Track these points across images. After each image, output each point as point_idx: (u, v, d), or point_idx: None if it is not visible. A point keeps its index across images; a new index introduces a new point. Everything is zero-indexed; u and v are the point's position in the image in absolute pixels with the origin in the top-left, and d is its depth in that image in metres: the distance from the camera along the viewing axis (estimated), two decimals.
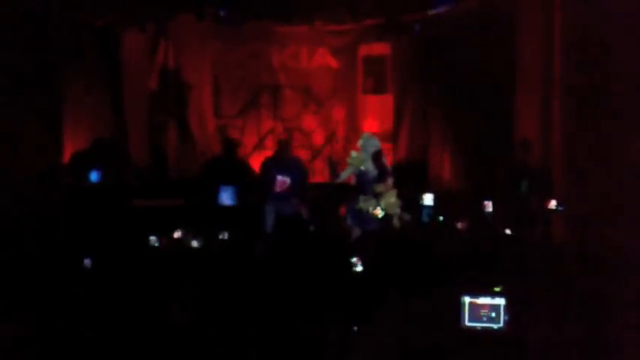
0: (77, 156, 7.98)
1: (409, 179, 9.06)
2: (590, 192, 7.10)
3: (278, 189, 7.59)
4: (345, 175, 7.80)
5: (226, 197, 8.27)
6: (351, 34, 10.90)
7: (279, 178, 7.61)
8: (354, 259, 4.91)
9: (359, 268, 4.89)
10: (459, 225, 6.47)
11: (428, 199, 7.30)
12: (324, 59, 11.04)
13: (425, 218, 7.23)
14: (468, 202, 7.80)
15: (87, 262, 4.72)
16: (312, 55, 11.06)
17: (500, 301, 3.48)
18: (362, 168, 7.73)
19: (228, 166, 9.22)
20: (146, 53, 10.11)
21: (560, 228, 7.09)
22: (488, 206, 6.91)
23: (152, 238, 5.49)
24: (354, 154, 7.77)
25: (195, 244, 5.64)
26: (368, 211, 7.51)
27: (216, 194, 8.35)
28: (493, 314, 3.45)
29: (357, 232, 7.42)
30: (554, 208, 6.85)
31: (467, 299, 3.46)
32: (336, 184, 7.93)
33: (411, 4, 10.04)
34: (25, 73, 7.67)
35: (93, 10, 8.92)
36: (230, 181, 8.54)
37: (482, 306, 3.46)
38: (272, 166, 7.84)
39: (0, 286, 4.24)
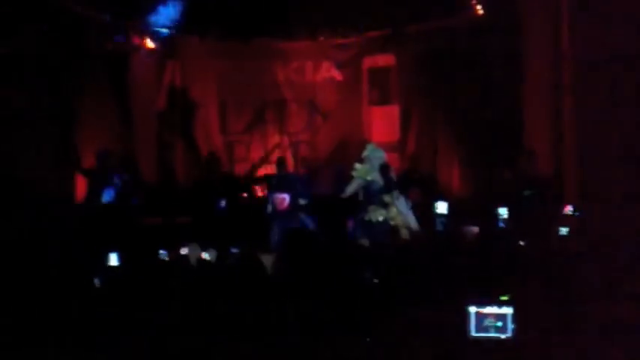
0: (90, 175, 8.09)
1: (418, 189, 9.07)
2: (604, 195, 7.07)
3: (279, 207, 7.75)
4: (352, 188, 7.81)
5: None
6: (355, 46, 10.97)
7: (277, 196, 7.78)
8: (365, 271, 4.92)
9: (370, 280, 4.90)
10: (472, 232, 6.42)
11: (442, 207, 7.24)
12: (329, 72, 11.12)
13: (439, 227, 7.18)
14: (479, 210, 7.77)
15: (97, 281, 4.77)
16: (317, 69, 11.14)
17: (508, 311, 3.46)
18: (368, 178, 7.74)
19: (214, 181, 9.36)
20: (154, 73, 10.24)
21: (573, 232, 7.03)
22: (503, 213, 6.81)
23: (162, 253, 5.56)
24: (358, 166, 7.78)
25: (206, 255, 5.70)
26: (378, 222, 7.51)
27: (212, 208, 8.51)
28: (500, 324, 3.44)
29: (365, 243, 7.43)
30: (570, 213, 6.72)
31: (473, 309, 3.45)
32: (343, 197, 7.94)
33: (415, 16, 10.10)
34: (40, 98, 7.85)
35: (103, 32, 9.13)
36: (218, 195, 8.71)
37: (489, 315, 3.45)
38: (270, 184, 8.04)
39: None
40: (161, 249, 5.68)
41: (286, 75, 11.12)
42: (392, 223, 7.44)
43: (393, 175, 7.97)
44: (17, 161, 7.64)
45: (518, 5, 8.76)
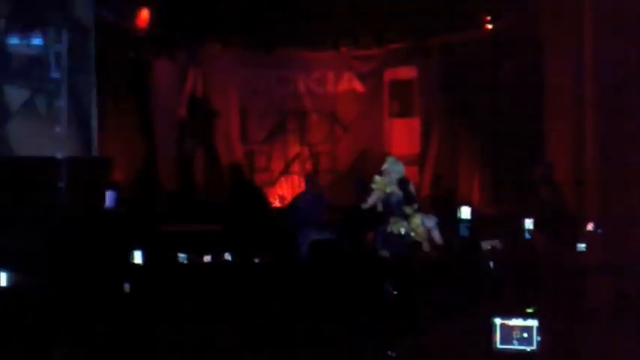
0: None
1: (437, 202, 9.03)
2: (626, 210, 6.98)
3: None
4: (372, 200, 7.80)
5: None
6: (377, 58, 10.98)
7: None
8: (387, 284, 4.90)
9: (392, 292, 4.87)
10: (496, 245, 6.35)
11: (465, 212, 7.17)
12: (350, 84, 11.13)
13: (463, 232, 7.10)
14: (502, 222, 7.71)
15: (126, 286, 4.79)
16: (338, 80, 11.16)
17: (533, 323, 3.42)
18: (387, 191, 7.73)
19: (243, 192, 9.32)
20: (176, 81, 10.31)
21: (597, 249, 6.94)
22: (529, 224, 6.71)
23: (181, 256, 5.57)
24: (377, 178, 7.78)
25: (229, 257, 5.73)
26: (399, 234, 7.48)
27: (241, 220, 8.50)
28: (525, 335, 3.40)
29: (385, 254, 7.40)
30: (592, 230, 6.65)
31: (498, 321, 3.42)
32: (364, 208, 7.94)
33: (438, 28, 10.11)
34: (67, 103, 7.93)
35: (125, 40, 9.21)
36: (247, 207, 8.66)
37: (514, 327, 3.42)
38: (300, 200, 8.14)
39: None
40: (180, 253, 5.69)
41: (307, 85, 11.15)
42: (412, 235, 7.41)
43: (412, 188, 7.95)
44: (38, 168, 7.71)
45: (540, 19, 8.74)
